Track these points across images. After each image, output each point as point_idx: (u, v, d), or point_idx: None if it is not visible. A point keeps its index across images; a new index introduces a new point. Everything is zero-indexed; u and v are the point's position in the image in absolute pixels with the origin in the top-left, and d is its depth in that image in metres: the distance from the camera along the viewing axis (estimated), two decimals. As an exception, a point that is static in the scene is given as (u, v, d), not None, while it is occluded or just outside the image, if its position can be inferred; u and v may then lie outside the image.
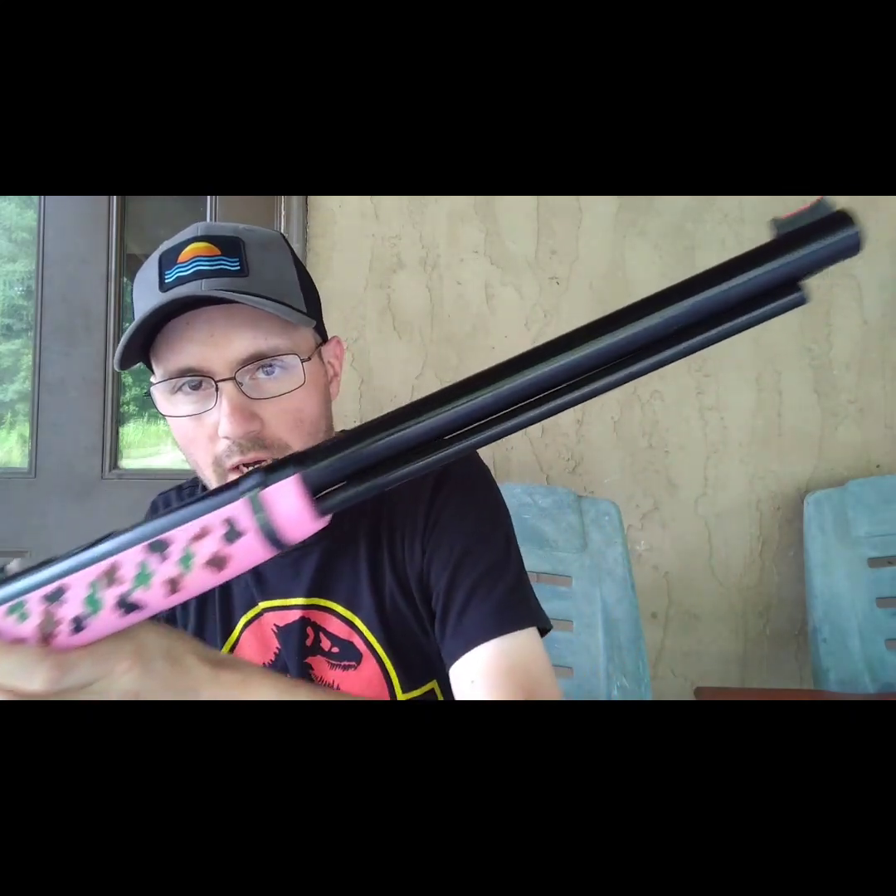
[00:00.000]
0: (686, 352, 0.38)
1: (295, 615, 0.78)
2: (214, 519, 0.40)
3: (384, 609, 0.76)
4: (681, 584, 1.74)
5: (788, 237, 0.37)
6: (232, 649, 0.80)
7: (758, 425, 1.75)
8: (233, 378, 0.66)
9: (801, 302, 0.39)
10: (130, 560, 0.41)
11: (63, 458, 1.81)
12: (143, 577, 0.41)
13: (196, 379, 0.67)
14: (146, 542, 0.41)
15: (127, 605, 0.41)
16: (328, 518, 0.41)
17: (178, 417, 0.69)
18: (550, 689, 0.68)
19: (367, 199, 1.76)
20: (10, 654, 0.41)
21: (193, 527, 0.40)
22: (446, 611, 0.71)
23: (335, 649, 0.77)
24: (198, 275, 0.67)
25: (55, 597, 0.41)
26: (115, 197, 1.83)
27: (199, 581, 0.41)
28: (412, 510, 0.75)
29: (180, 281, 0.67)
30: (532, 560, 1.41)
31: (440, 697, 0.78)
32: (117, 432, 1.85)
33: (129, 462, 1.87)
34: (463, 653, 0.68)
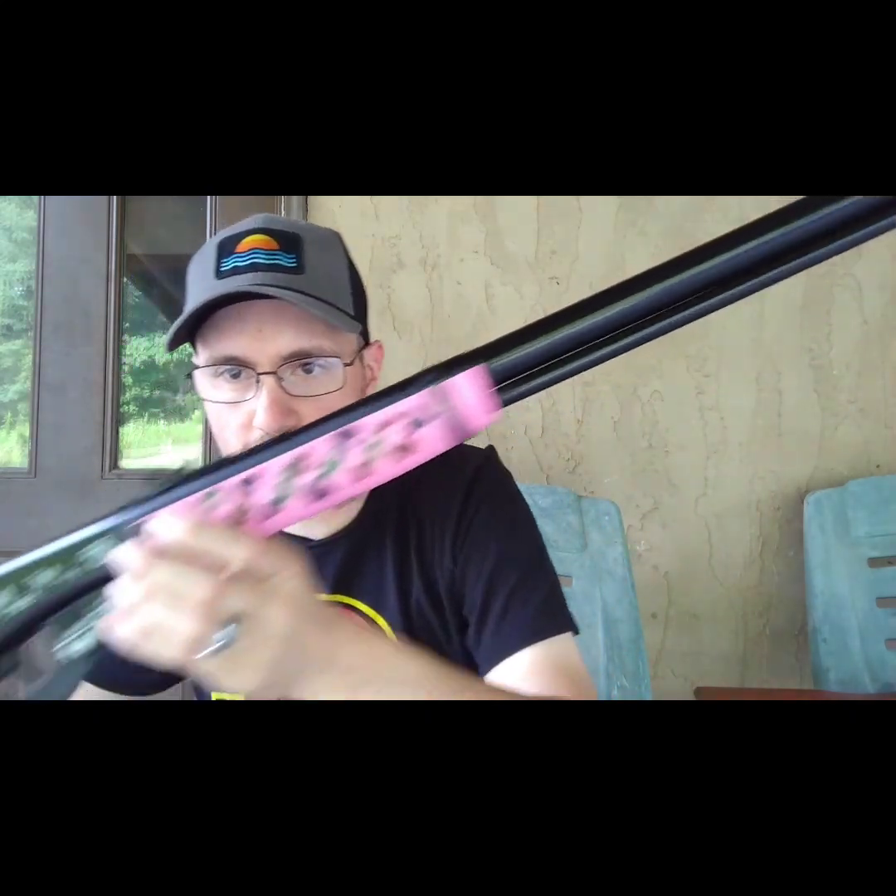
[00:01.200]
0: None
1: None
2: (401, 408, 0.42)
3: (409, 611, 0.77)
4: (681, 584, 1.74)
5: None
6: None
7: (758, 425, 1.75)
8: (275, 372, 0.67)
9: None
10: (320, 448, 0.43)
11: (63, 458, 1.81)
12: (332, 464, 0.42)
13: (238, 368, 0.68)
14: (335, 432, 0.43)
15: (317, 491, 0.43)
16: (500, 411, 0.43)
17: (217, 403, 0.70)
18: (592, 690, 0.70)
19: (367, 199, 1.76)
20: (214, 528, 0.43)
21: (380, 416, 0.42)
22: (484, 617, 0.72)
23: None
24: (254, 267, 0.68)
25: (248, 483, 0.43)
26: (115, 197, 1.83)
27: (385, 468, 0.43)
28: (441, 518, 0.76)
29: (236, 271, 0.68)
30: (532, 560, 1.41)
31: None
32: (117, 432, 1.85)
33: (129, 462, 1.87)
34: (504, 657, 0.70)
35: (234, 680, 0.45)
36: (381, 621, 0.78)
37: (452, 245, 1.77)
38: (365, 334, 0.77)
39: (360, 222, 1.77)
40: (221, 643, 0.42)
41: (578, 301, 0.42)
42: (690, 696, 1.61)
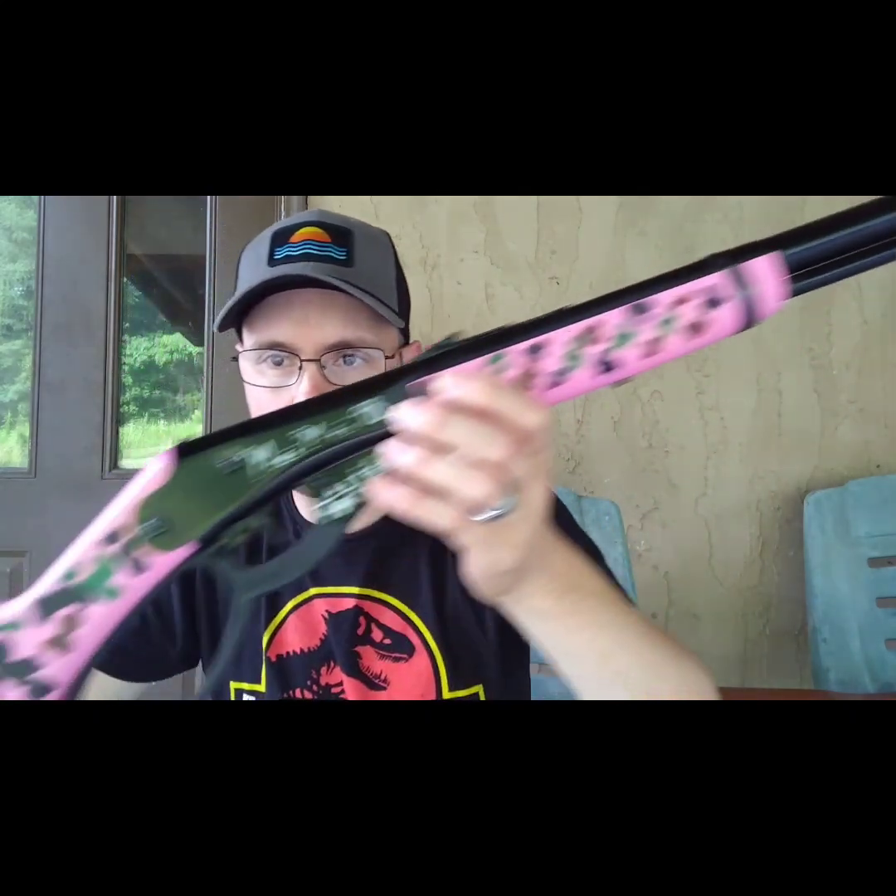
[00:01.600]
0: None
1: (348, 603, 0.79)
2: (697, 287, 0.42)
3: (444, 609, 0.78)
4: (681, 584, 1.74)
5: None
6: (276, 631, 0.80)
7: (758, 425, 1.75)
8: (317, 360, 0.69)
9: None
10: (612, 321, 0.42)
11: (63, 458, 1.81)
12: (623, 337, 0.42)
13: (281, 355, 0.70)
14: (629, 304, 0.42)
15: (605, 364, 0.42)
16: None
17: (259, 387, 0.71)
18: None
19: (367, 199, 1.76)
20: (511, 389, 0.41)
21: (677, 292, 0.42)
22: None
23: (387, 640, 0.79)
24: (306, 257, 0.70)
25: (536, 350, 0.42)
26: (115, 197, 1.83)
27: (676, 345, 0.42)
28: None
29: (289, 260, 0.70)
30: (532, 560, 1.41)
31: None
32: (117, 432, 1.85)
33: (129, 462, 1.87)
34: None
35: (497, 554, 0.43)
36: (413, 617, 0.78)
37: (452, 245, 1.77)
38: (405, 333, 0.78)
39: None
40: (500, 511, 0.40)
41: (874, 199, 0.43)
42: (690, 696, 1.61)
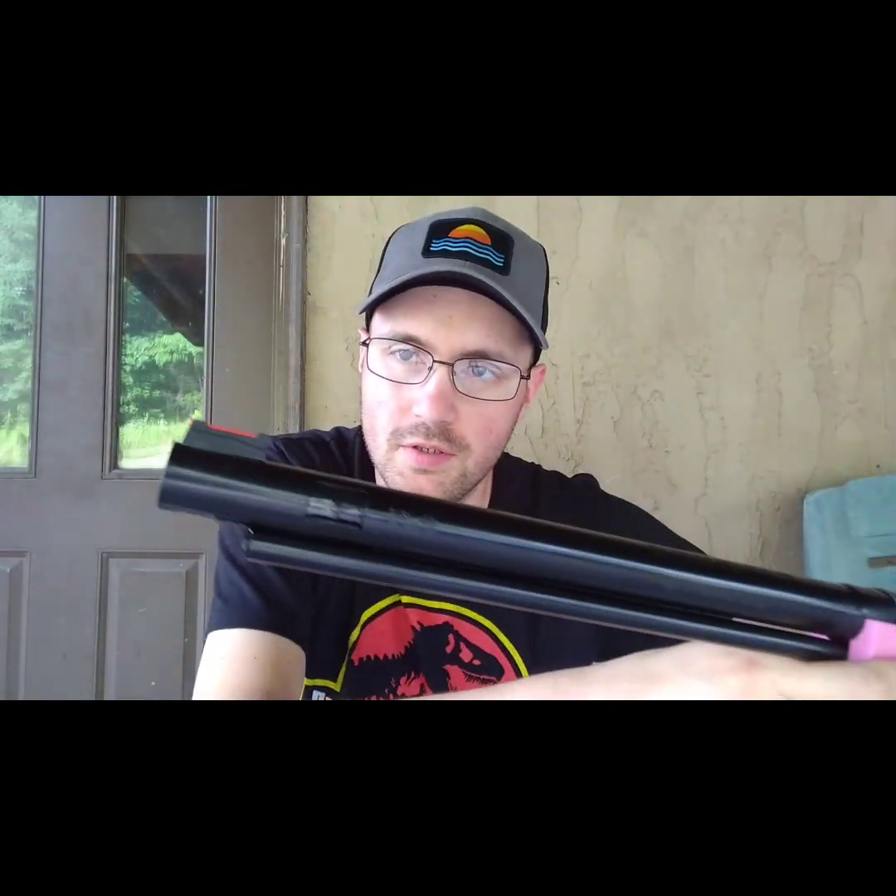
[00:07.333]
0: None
1: (440, 619, 0.76)
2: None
3: (538, 633, 0.75)
4: (681, 584, 1.74)
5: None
6: (363, 630, 0.75)
7: (758, 425, 1.75)
8: (451, 364, 0.66)
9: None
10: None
11: (63, 458, 1.81)
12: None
13: (411, 350, 0.67)
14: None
15: None
16: None
17: (382, 378, 0.68)
18: None
19: (367, 199, 1.76)
20: None
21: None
22: None
23: (476, 662, 0.76)
24: (464, 255, 0.66)
25: None
26: (115, 197, 1.84)
27: None
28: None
29: (446, 254, 0.67)
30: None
31: None
32: (117, 432, 1.85)
33: (129, 462, 1.87)
34: None
35: None
36: (504, 640, 0.76)
37: (452, 245, 1.77)
38: (537, 354, 0.75)
39: (360, 222, 1.77)
40: None
41: None
42: (690, 696, 1.62)
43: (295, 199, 1.76)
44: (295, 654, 0.66)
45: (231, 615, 0.66)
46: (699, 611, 0.33)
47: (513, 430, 0.75)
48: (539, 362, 0.77)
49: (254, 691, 0.61)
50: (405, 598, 0.76)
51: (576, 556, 0.31)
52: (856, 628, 0.34)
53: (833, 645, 0.35)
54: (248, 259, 1.83)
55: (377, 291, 0.67)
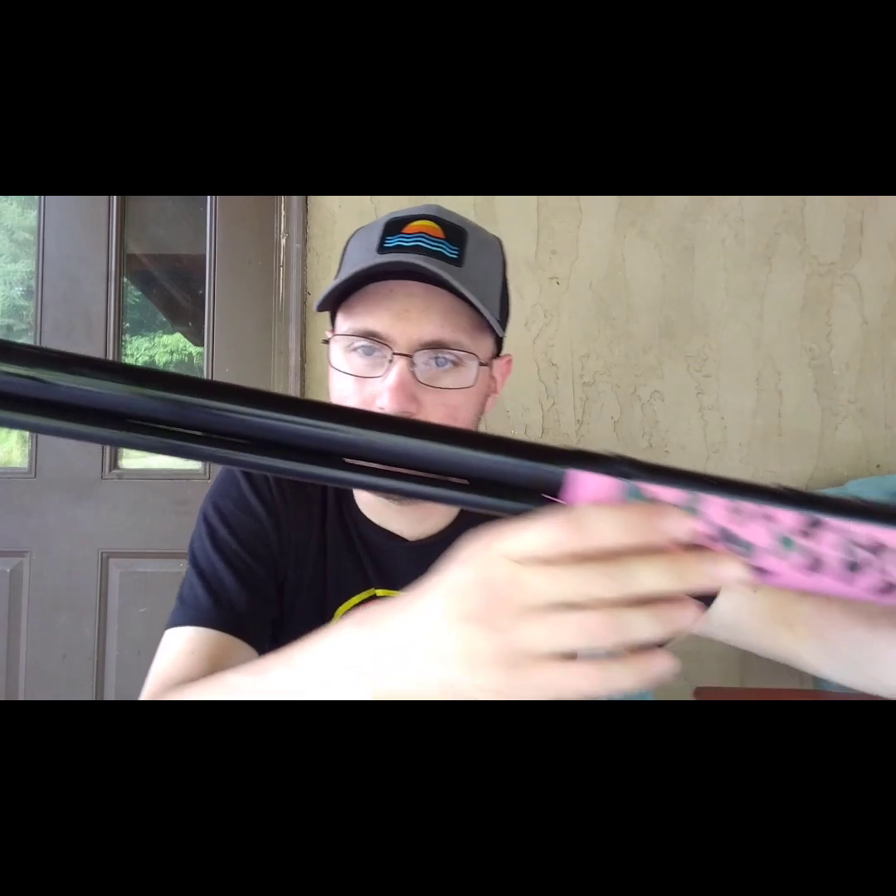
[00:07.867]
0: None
1: None
2: None
3: None
4: (681, 584, 1.74)
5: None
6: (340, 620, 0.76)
7: (758, 425, 1.75)
8: (410, 356, 0.67)
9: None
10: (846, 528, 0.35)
11: (63, 458, 1.81)
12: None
13: (373, 345, 0.68)
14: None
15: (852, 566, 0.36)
16: None
17: (345, 374, 0.70)
18: None
19: (367, 199, 1.76)
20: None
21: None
22: None
23: None
24: (417, 249, 0.68)
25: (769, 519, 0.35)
26: (115, 197, 1.83)
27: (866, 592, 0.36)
28: None
29: (400, 249, 0.68)
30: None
31: None
32: (117, 432, 1.85)
33: (129, 462, 1.87)
34: None
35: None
36: None
37: (452, 245, 1.77)
38: (499, 344, 0.77)
39: (360, 222, 1.75)
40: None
41: None
42: (690, 696, 1.61)
43: (295, 199, 1.76)
44: (241, 652, 0.68)
45: (185, 614, 0.71)
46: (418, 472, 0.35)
47: (479, 419, 0.76)
48: (503, 353, 0.78)
49: (183, 681, 0.63)
50: (380, 592, 0.77)
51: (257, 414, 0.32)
52: (564, 484, 0.34)
53: (553, 504, 0.35)
54: (248, 259, 1.83)
55: (330, 287, 0.69)
